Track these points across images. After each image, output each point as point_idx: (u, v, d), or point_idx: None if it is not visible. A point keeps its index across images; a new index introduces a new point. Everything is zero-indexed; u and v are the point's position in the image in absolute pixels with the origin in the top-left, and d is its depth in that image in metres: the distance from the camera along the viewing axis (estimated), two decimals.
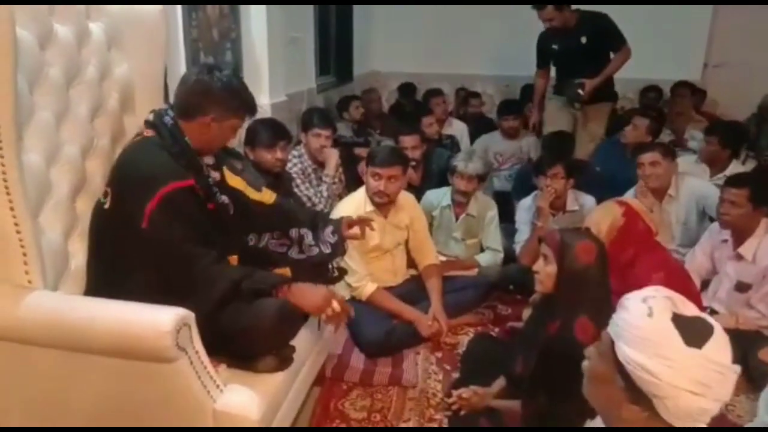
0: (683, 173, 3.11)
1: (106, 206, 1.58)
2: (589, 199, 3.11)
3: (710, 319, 1.00)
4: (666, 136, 4.45)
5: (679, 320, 0.97)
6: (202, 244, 1.56)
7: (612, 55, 3.83)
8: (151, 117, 1.65)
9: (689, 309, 1.01)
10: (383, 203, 2.67)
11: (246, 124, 2.69)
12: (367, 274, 2.66)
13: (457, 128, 4.77)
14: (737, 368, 0.96)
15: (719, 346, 0.96)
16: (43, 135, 1.56)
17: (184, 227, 1.53)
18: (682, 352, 0.94)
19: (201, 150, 1.67)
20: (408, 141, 3.45)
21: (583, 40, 3.73)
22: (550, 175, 3.00)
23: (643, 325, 0.97)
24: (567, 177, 3.03)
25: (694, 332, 0.96)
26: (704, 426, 0.97)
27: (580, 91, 3.70)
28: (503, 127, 4.39)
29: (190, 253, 1.54)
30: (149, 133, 1.62)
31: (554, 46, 3.92)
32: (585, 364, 1.10)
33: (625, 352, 0.97)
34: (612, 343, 1.01)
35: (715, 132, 3.46)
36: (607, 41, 3.78)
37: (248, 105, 1.69)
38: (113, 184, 1.60)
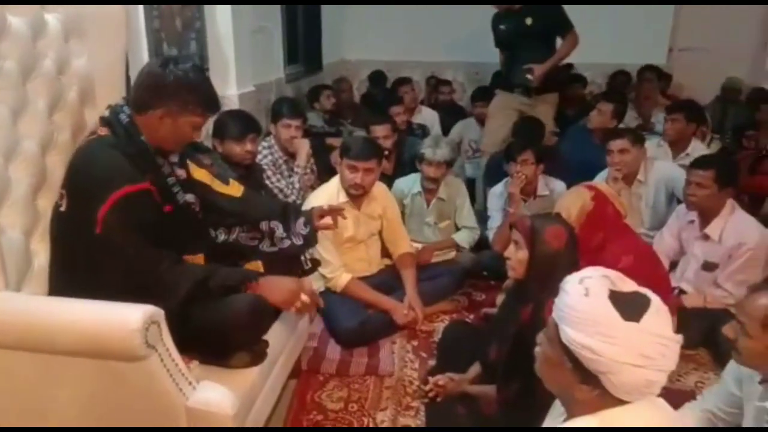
0: (651, 158, 3.16)
1: (62, 209, 1.54)
2: (559, 184, 3.15)
3: (648, 292, 1.03)
4: (633, 120, 4.51)
5: (615, 297, 1.00)
6: (159, 246, 1.52)
7: (559, 42, 3.78)
8: (106, 113, 1.59)
9: (627, 285, 1.04)
10: (358, 195, 2.66)
11: (212, 117, 2.67)
12: (341, 264, 2.65)
13: (428, 116, 4.77)
14: (679, 338, 1.00)
15: (658, 318, 0.99)
16: (0, 131, 1.51)
17: (138, 231, 1.49)
18: (621, 328, 0.97)
19: (160, 148, 1.61)
20: (379, 131, 3.44)
21: (528, 21, 3.68)
22: (520, 161, 3.02)
23: (580, 306, 1.00)
24: (537, 162, 3.05)
25: (630, 307, 0.99)
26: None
27: (530, 76, 3.66)
28: (476, 114, 4.40)
29: (147, 257, 1.50)
30: (103, 131, 1.56)
31: (501, 27, 3.87)
32: (537, 349, 1.13)
33: (568, 333, 1.00)
34: (557, 327, 1.03)
35: (679, 109, 3.52)
36: (553, 25, 3.73)
37: (207, 101, 1.60)
38: (67, 187, 1.55)
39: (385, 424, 2.06)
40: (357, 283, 2.66)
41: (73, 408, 1.47)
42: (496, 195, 3.23)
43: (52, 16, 1.75)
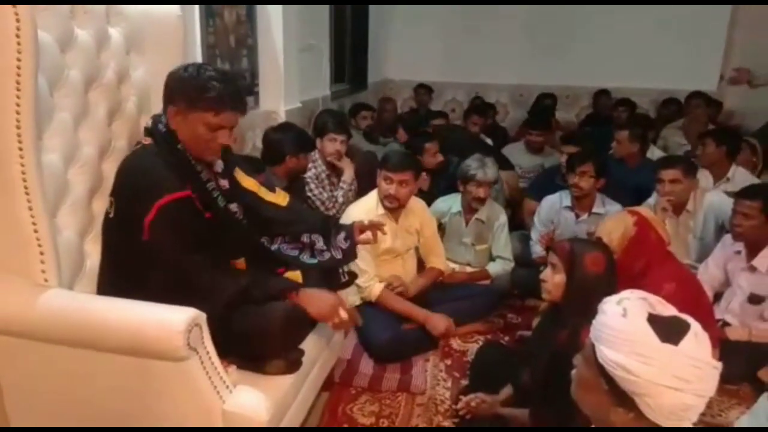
0: (702, 188, 3.07)
1: (111, 216, 1.61)
2: (616, 207, 3.06)
3: (688, 318, 1.03)
4: (680, 147, 4.43)
5: (654, 319, 1.00)
6: (204, 251, 1.57)
7: None
8: (149, 123, 1.65)
9: (666, 309, 1.03)
10: (393, 207, 2.69)
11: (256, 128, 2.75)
12: (375, 274, 2.67)
13: None
14: (717, 364, 0.98)
15: (696, 342, 0.98)
16: (62, 136, 1.59)
17: (184, 237, 1.54)
18: (658, 349, 0.96)
19: (194, 153, 1.63)
20: (430, 147, 3.47)
21: None
22: (579, 172, 2.98)
23: (618, 326, 1.00)
24: (597, 176, 3.00)
25: (669, 330, 0.98)
26: (691, 425, 0.99)
27: None
28: (529, 141, 4.30)
29: (193, 262, 1.55)
30: (147, 141, 1.62)
31: None
32: (573, 372, 1.12)
33: (604, 353, 1.00)
34: (594, 347, 1.03)
35: (708, 134, 3.46)
36: None
37: (214, 99, 1.55)
38: (115, 195, 1.61)
39: None
40: (390, 293, 2.68)
41: (112, 403, 1.52)
42: (547, 204, 3.22)
43: (115, 29, 1.85)
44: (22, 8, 1.31)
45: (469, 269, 3.15)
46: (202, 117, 1.56)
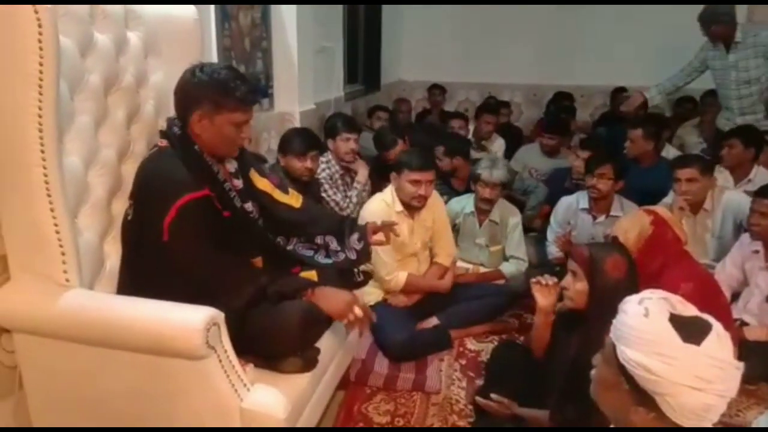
0: (720, 186, 3.03)
1: (130, 218, 1.63)
2: (634, 209, 3.04)
3: (709, 318, 1.02)
4: (697, 145, 4.38)
5: (675, 320, 0.99)
6: (223, 250, 1.59)
7: None
8: (163, 126, 1.68)
9: (688, 309, 1.03)
10: (421, 207, 2.71)
11: (275, 129, 2.77)
12: (397, 266, 2.69)
13: (498, 144, 4.69)
14: (740, 364, 0.98)
15: (718, 342, 0.98)
16: (83, 139, 1.62)
17: (203, 236, 1.55)
18: (680, 349, 0.96)
19: (215, 154, 1.66)
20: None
21: None
22: (597, 174, 2.96)
23: (639, 326, 1.00)
24: (616, 179, 2.98)
25: (691, 330, 0.98)
26: (711, 426, 0.98)
27: None
28: (545, 144, 4.25)
29: (212, 261, 1.57)
30: (163, 143, 1.64)
31: None
32: (592, 371, 1.12)
33: (625, 353, 1.00)
34: (614, 347, 1.03)
35: (735, 134, 3.34)
36: None
37: (238, 97, 1.59)
38: (134, 197, 1.64)
39: None
40: (413, 276, 2.74)
41: (131, 401, 1.54)
42: (563, 205, 3.19)
43: (134, 33, 1.87)
44: (43, 14, 1.33)
45: (482, 270, 3.14)
46: (230, 117, 1.61)
